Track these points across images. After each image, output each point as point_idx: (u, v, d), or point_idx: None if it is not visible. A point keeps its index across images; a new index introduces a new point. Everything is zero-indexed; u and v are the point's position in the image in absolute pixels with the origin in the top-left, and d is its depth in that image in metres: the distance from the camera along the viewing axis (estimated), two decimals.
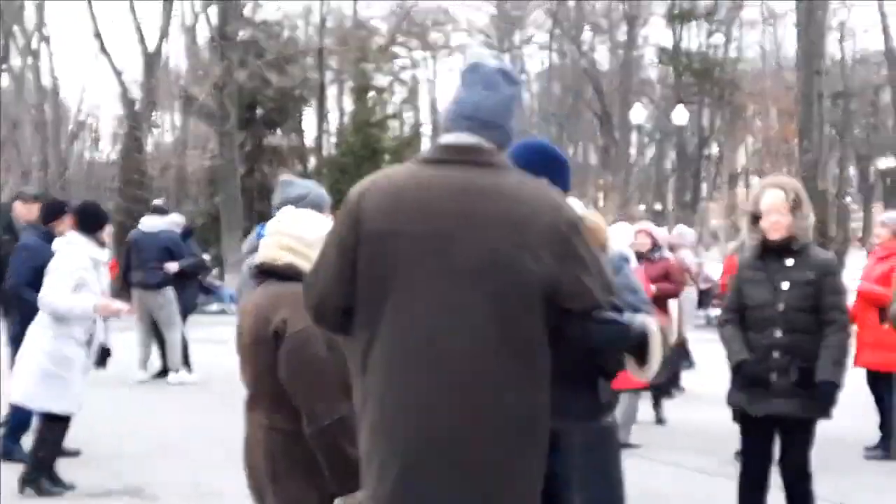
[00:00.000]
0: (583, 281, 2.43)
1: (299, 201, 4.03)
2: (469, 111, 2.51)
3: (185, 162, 35.73)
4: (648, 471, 6.90)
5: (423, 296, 2.42)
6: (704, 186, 49.91)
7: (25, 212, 7.75)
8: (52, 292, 5.89)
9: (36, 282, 6.37)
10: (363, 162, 20.96)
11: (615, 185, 36.42)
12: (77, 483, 6.22)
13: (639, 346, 2.50)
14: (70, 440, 6.48)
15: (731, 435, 7.89)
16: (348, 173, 21.41)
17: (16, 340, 6.90)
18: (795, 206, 4.65)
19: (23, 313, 6.80)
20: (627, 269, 3.29)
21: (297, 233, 3.17)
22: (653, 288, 8.57)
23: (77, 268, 5.95)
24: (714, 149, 50.47)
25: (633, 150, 50.43)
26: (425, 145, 31.20)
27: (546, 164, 2.92)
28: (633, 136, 49.74)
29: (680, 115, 35.16)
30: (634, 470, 7.00)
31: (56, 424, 5.99)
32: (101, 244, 6.27)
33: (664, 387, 9.14)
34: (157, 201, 15.35)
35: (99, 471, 6.72)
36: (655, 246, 9.11)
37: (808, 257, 4.69)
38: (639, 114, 37.33)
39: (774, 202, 4.67)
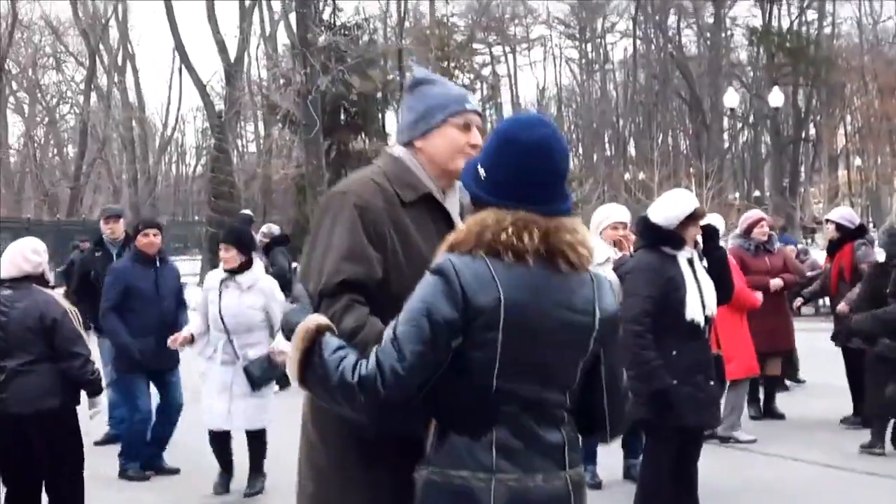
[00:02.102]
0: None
1: None
2: None
3: (271, 171, 35.63)
4: (764, 464, 6.78)
5: None
6: (802, 170, 47.96)
7: (109, 230, 7.70)
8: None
9: (122, 304, 6.54)
10: None
11: (708, 172, 35.04)
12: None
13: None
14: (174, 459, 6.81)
15: (847, 428, 7.56)
16: None
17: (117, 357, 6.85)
18: None
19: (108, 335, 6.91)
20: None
21: None
22: (778, 282, 8.03)
23: (205, 289, 6.22)
24: (811, 130, 48.48)
25: (725, 136, 48.81)
26: None
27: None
28: (725, 122, 48.15)
29: (775, 97, 33.67)
30: (748, 464, 6.79)
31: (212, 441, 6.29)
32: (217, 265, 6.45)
33: (777, 380, 8.49)
34: (246, 211, 14.97)
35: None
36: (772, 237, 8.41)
37: None
38: (731, 98, 35.82)
39: None
